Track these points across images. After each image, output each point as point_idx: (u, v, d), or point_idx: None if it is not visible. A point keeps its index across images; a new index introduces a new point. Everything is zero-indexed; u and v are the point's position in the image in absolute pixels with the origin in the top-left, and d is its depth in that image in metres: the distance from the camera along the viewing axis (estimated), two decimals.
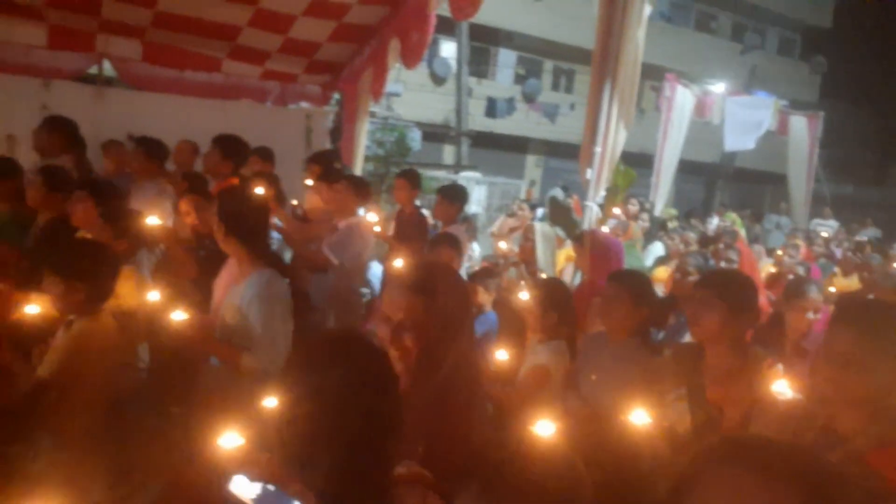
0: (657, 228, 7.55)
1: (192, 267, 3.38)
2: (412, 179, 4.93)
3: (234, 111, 6.55)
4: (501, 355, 2.41)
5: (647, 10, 3.75)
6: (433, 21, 5.36)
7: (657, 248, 6.71)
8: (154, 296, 2.55)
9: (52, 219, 3.50)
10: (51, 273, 2.11)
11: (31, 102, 5.76)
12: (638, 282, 2.62)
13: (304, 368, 1.18)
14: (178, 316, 2.22)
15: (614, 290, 2.50)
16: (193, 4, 5.62)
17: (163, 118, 5.91)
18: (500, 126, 20.36)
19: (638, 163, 9.91)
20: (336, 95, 7.47)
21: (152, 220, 3.15)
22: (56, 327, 2.20)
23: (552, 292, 2.92)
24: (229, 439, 1.30)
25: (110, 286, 2.23)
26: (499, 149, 20.65)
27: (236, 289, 2.48)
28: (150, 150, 4.64)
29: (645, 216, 7.64)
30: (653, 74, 11.00)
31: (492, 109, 20.20)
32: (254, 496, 1.16)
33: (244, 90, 6.96)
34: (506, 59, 22.29)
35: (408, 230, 4.60)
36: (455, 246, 3.60)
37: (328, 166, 5.09)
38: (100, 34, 6.13)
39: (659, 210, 9.17)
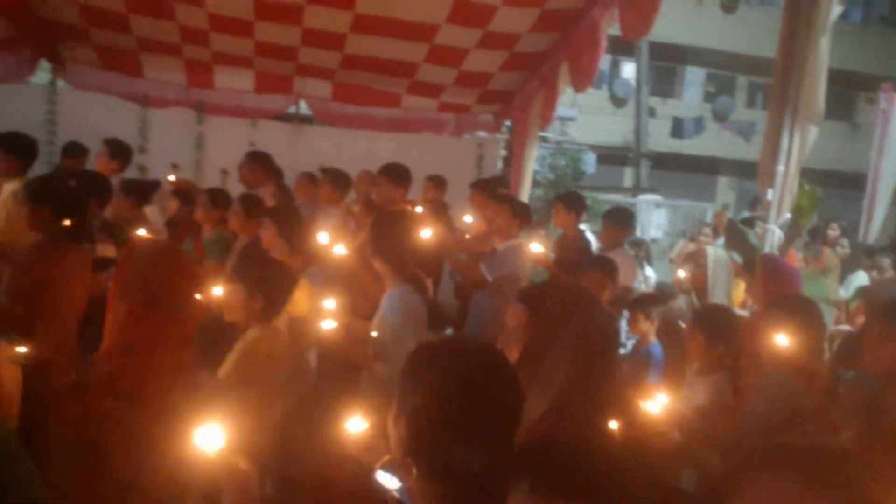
0: (861, 256, 6.70)
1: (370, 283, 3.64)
2: (569, 203, 4.87)
3: (412, 143, 6.99)
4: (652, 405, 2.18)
5: (836, 10, 3.40)
6: (603, 43, 5.30)
7: (860, 278, 5.95)
8: (326, 305, 2.79)
9: (249, 241, 3.96)
10: (236, 283, 2.41)
11: (241, 140, 6.57)
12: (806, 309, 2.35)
13: (417, 367, 1.23)
14: (328, 324, 2.45)
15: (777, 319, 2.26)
16: (376, 45, 6.07)
17: (351, 151, 6.48)
18: (688, 147, 19.41)
19: (851, 183, 8.88)
20: (507, 122, 7.63)
21: (326, 241, 3.48)
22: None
23: (717, 320, 2.72)
24: (355, 424, 1.40)
25: (285, 298, 2.49)
26: (684, 170, 19.66)
27: (382, 302, 2.67)
28: (335, 179, 5.07)
29: (845, 242, 6.83)
30: (867, 85, 9.83)
31: (678, 129, 19.36)
32: (396, 487, 1.23)
33: (423, 123, 7.40)
34: (693, 77, 21.27)
35: (570, 254, 4.55)
36: (606, 269, 3.50)
37: (491, 191, 5.21)
38: (297, 77, 6.86)
39: (874, 237, 8.13)
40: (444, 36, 5.83)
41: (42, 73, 6.58)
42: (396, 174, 4.72)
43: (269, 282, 2.40)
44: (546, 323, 1.78)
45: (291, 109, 7.23)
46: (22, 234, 3.11)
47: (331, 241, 3.48)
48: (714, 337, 2.63)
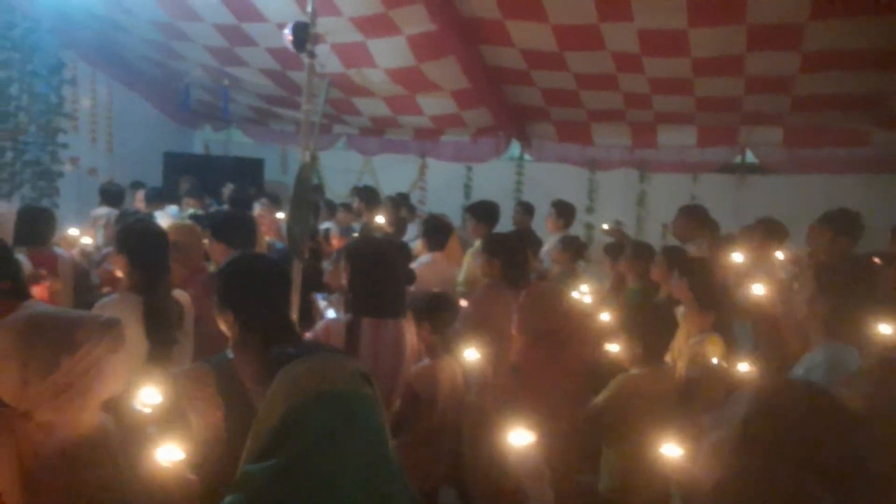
0: None
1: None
2: None
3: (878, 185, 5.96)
4: None
5: None
6: None
7: None
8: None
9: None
10: (621, 330, 2.56)
11: (682, 195, 6.63)
12: None
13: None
14: None
15: None
16: (832, 81, 5.46)
17: (802, 198, 5.91)
18: None
19: None
20: None
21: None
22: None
23: None
24: None
25: (663, 346, 2.51)
26: None
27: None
28: (770, 231, 4.70)
29: None
30: None
31: None
32: None
33: None
34: None
35: None
36: None
37: None
38: (742, 126, 6.61)
39: None
40: None
41: (512, 150, 7.89)
42: (845, 223, 4.12)
43: (649, 329, 2.45)
44: None
45: (736, 160, 6.97)
46: (476, 282, 3.85)
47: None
48: None
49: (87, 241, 4.86)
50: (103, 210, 6.03)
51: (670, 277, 3.94)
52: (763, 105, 6.11)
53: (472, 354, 2.21)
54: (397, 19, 5.91)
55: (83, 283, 4.16)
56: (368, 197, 6.95)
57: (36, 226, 3.93)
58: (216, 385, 1.77)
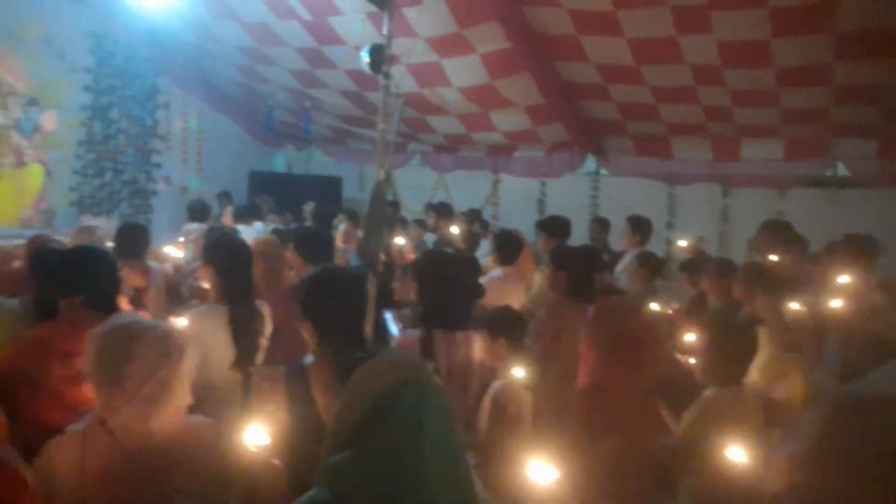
0: None
1: None
2: None
3: None
4: None
5: None
6: None
7: None
8: None
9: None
10: (706, 351, 2.49)
11: (768, 210, 6.37)
12: None
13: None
14: None
15: None
16: None
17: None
18: None
19: None
20: None
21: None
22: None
23: None
24: None
25: (746, 365, 2.43)
26: None
27: None
28: (863, 248, 4.46)
29: None
30: None
31: None
32: None
33: None
34: None
35: None
36: None
37: None
38: (833, 139, 6.29)
39: None
40: None
41: (588, 164, 7.81)
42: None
43: (731, 349, 2.38)
44: None
45: (828, 173, 6.64)
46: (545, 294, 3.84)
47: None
48: None
49: (178, 254, 5.14)
50: (193, 226, 6.36)
51: (753, 295, 3.80)
52: (854, 116, 5.82)
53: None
54: (472, 38, 5.99)
55: (175, 294, 4.41)
56: (441, 212, 7.03)
57: (132, 240, 4.19)
58: (286, 388, 1.85)
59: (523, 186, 8.16)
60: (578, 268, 3.50)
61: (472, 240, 5.93)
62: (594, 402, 2.19)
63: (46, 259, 2.66)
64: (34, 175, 7.52)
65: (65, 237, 5.29)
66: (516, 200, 8.35)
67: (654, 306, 3.95)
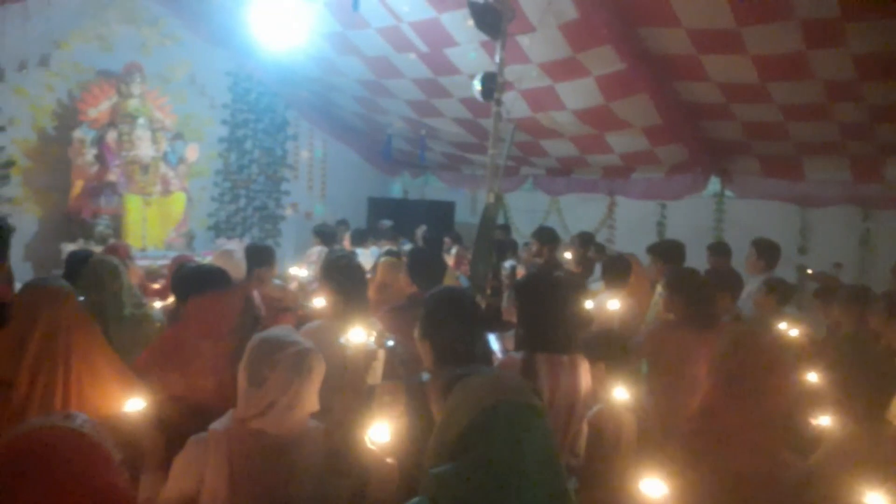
0: None
1: None
2: None
3: None
4: None
5: None
6: None
7: None
8: None
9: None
10: (838, 383, 2.31)
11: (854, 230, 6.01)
12: None
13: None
14: None
15: None
16: None
17: None
18: None
19: None
20: None
21: None
22: None
23: None
24: None
25: (886, 401, 2.23)
26: None
27: None
28: None
29: None
30: None
31: None
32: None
33: None
34: None
35: None
36: None
37: None
38: None
39: None
40: None
41: (711, 186, 7.47)
42: None
43: (867, 382, 2.19)
44: None
45: None
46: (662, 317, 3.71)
47: None
48: None
49: (302, 273, 5.47)
50: (316, 248, 6.70)
51: (894, 326, 3.47)
52: None
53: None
54: (586, 62, 5.95)
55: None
56: (543, 237, 6.94)
57: (259, 261, 4.48)
58: (406, 401, 1.93)
59: (641, 209, 7.92)
60: (695, 292, 3.37)
61: (586, 264, 5.82)
62: (704, 427, 2.08)
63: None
64: (178, 202, 8.22)
65: (203, 258, 5.76)
66: (633, 223, 8.12)
67: (792, 331, 3.68)
